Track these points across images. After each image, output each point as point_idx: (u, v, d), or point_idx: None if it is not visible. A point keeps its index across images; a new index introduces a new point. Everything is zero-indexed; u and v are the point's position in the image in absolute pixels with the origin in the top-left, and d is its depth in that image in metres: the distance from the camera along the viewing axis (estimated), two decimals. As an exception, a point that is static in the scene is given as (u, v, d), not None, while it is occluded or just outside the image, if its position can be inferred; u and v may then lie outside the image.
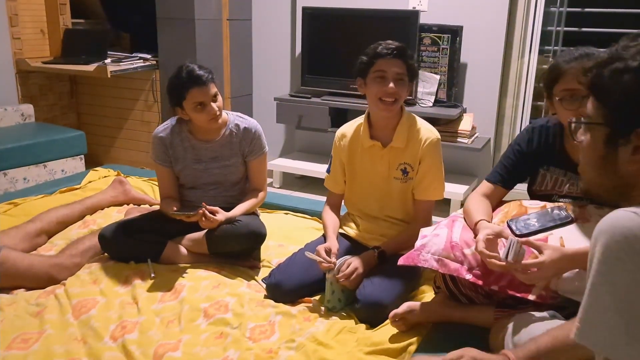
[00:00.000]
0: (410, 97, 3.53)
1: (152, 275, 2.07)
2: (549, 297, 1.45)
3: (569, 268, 1.41)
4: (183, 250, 2.20)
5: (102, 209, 2.67)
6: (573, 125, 1.05)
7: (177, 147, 2.25)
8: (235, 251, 2.20)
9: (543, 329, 1.30)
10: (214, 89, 2.13)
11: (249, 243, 2.19)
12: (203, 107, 2.11)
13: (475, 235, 1.58)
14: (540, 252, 1.41)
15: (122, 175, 3.08)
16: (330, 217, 2.15)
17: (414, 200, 2.06)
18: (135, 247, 2.15)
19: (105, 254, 2.20)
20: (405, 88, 1.96)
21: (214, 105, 2.13)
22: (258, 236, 2.19)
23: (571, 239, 1.47)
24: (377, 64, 1.93)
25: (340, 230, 2.15)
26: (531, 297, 1.47)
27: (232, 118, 2.28)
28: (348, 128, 2.12)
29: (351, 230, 2.14)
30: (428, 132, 2.02)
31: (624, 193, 0.97)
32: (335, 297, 1.90)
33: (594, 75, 0.95)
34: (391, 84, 1.91)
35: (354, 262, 1.90)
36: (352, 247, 2.08)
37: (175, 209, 2.12)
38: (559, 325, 1.19)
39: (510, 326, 1.40)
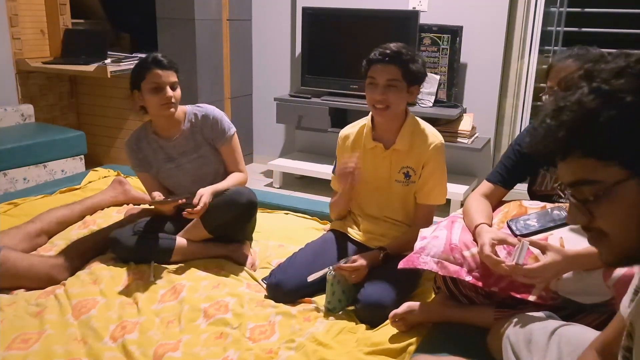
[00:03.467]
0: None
1: (151, 279, 2.06)
2: (549, 297, 1.46)
3: (569, 269, 1.42)
4: (183, 241, 2.20)
5: (102, 209, 2.66)
6: (580, 206, 0.81)
7: (146, 150, 2.28)
8: (230, 221, 2.19)
9: (541, 328, 1.30)
10: (174, 78, 2.17)
11: (241, 209, 2.18)
12: (158, 90, 2.14)
13: (474, 238, 1.58)
14: (544, 252, 1.41)
15: (122, 175, 3.08)
16: None
17: (415, 204, 2.06)
18: (148, 248, 2.15)
19: (105, 254, 2.20)
20: (398, 94, 1.91)
21: (170, 91, 2.15)
22: (250, 201, 2.20)
23: (571, 239, 1.47)
24: (370, 70, 1.92)
25: (341, 231, 2.15)
26: (531, 298, 1.47)
27: (190, 109, 2.30)
28: (351, 128, 2.12)
29: (352, 230, 2.14)
30: (432, 136, 2.00)
31: None
32: (335, 297, 1.89)
33: (586, 135, 0.76)
34: (378, 92, 1.90)
35: (360, 260, 1.91)
36: (352, 247, 2.08)
37: (156, 198, 2.13)
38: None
39: (509, 327, 1.40)
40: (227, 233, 2.26)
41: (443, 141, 2.02)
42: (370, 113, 2.06)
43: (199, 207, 2.07)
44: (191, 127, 2.27)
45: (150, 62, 2.14)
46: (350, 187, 1.97)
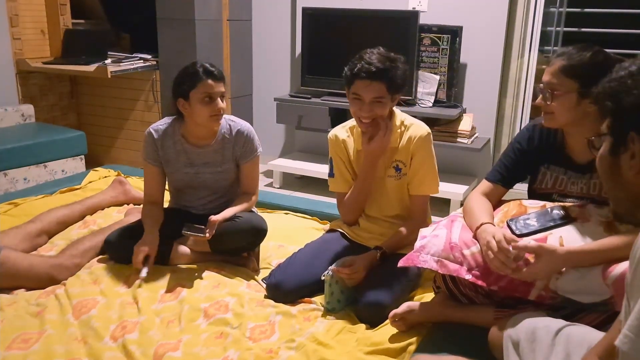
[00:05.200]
0: (410, 98, 3.54)
1: (143, 275, 2.02)
2: (549, 297, 1.46)
3: (561, 267, 1.42)
4: (187, 250, 2.20)
5: (102, 209, 2.66)
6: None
7: (168, 149, 2.24)
8: (237, 247, 2.20)
9: (545, 327, 1.30)
10: (223, 89, 2.15)
11: (250, 238, 2.18)
12: (210, 100, 2.11)
13: (475, 237, 1.58)
14: (536, 257, 1.42)
15: (122, 175, 3.08)
16: None
17: (409, 197, 2.07)
18: None
19: (106, 255, 2.20)
20: (383, 107, 1.92)
21: (220, 103, 2.13)
22: (259, 231, 2.19)
23: (571, 238, 1.47)
24: (354, 84, 1.90)
25: (339, 230, 2.16)
26: (531, 297, 1.47)
27: (224, 122, 2.25)
28: (340, 130, 2.12)
29: (351, 230, 2.14)
30: (418, 128, 2.02)
31: (637, 205, 0.97)
32: (334, 298, 1.90)
33: (598, 88, 0.99)
34: (365, 109, 1.90)
35: (357, 262, 1.91)
36: (351, 247, 2.08)
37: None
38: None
39: (511, 326, 1.40)
40: (233, 254, 2.24)
41: (429, 131, 2.03)
42: None
43: (208, 236, 2.06)
44: (223, 141, 2.23)
45: (203, 72, 2.10)
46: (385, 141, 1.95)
